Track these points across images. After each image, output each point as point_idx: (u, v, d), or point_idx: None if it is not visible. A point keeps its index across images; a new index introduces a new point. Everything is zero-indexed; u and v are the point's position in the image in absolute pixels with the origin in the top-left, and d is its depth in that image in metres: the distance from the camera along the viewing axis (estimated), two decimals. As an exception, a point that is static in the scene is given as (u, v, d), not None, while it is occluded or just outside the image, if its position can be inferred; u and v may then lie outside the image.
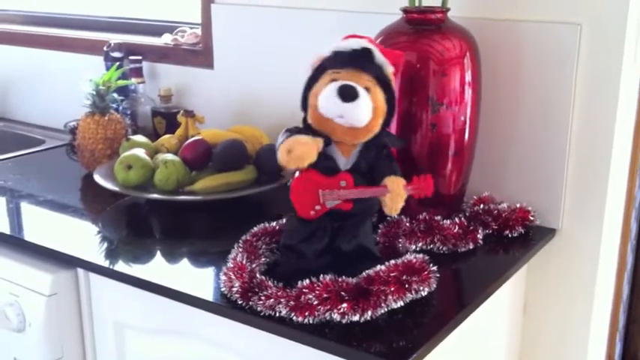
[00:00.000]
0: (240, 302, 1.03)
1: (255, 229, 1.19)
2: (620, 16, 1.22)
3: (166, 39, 1.86)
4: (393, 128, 1.24)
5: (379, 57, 1.04)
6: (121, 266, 1.19)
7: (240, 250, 1.14)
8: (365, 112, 1.01)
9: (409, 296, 1.03)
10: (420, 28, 1.24)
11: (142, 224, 1.43)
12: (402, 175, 1.06)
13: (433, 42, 1.22)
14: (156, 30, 1.96)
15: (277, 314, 1.00)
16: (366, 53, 1.03)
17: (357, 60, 1.03)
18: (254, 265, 1.09)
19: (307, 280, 1.01)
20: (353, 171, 1.05)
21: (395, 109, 1.06)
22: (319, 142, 1.01)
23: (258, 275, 1.05)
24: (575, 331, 1.38)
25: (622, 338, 1.58)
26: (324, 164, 1.04)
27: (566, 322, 1.39)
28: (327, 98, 1.01)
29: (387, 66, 1.04)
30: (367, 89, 1.01)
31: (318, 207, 1.03)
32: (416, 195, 1.06)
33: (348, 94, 0.99)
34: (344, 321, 0.98)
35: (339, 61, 1.03)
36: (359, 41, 1.04)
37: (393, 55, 1.06)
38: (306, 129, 1.05)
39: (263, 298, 1.01)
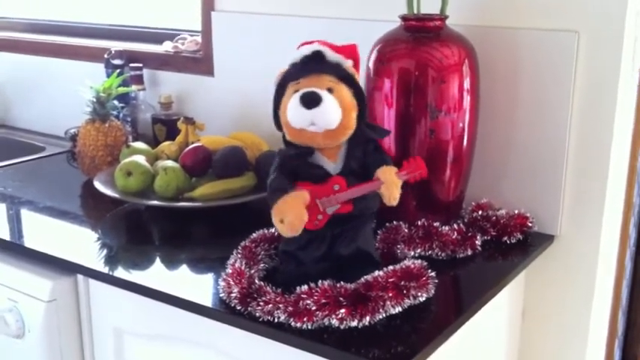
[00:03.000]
0: (238, 308, 1.03)
1: (255, 235, 1.20)
2: (618, 23, 1.22)
3: (167, 46, 1.87)
4: (391, 135, 1.24)
5: (332, 55, 1.04)
6: (120, 272, 1.19)
7: (239, 256, 1.14)
8: (333, 112, 1.01)
9: (407, 302, 1.03)
10: (419, 36, 1.25)
11: (142, 231, 1.43)
12: (394, 164, 1.07)
13: (432, 49, 1.22)
14: (156, 37, 1.96)
15: (276, 320, 1.00)
16: (318, 56, 1.04)
17: (312, 65, 1.03)
18: (253, 271, 1.09)
19: (306, 286, 1.01)
20: (344, 173, 1.05)
21: (366, 101, 1.06)
22: (305, 197, 1.01)
23: (256, 281, 1.05)
24: (574, 337, 1.38)
25: (621, 344, 1.58)
26: (314, 173, 1.04)
27: (565, 328, 1.38)
28: (293, 110, 1.01)
29: (343, 62, 1.04)
30: (330, 90, 1.01)
31: (320, 216, 1.04)
32: (411, 179, 1.07)
33: (310, 101, 1.00)
34: (342, 326, 0.98)
35: (297, 71, 1.04)
36: (309, 46, 1.05)
37: (346, 49, 1.06)
38: (288, 145, 1.06)
39: (262, 303, 1.01)
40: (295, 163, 1.04)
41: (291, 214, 0.99)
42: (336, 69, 1.03)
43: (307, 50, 1.04)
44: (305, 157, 1.04)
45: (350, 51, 1.06)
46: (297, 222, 0.99)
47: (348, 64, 1.04)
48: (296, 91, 1.02)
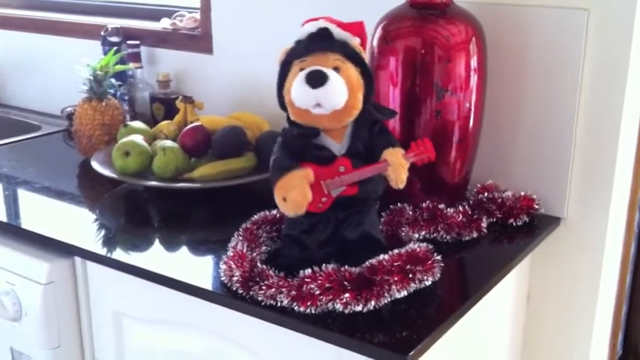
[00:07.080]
0: (240, 292, 1.01)
1: (256, 217, 1.18)
2: (629, 1, 1.19)
3: (165, 23, 1.83)
4: (397, 115, 1.22)
5: (339, 33, 1.01)
6: (118, 255, 1.17)
7: (241, 238, 1.12)
8: (339, 92, 0.98)
9: (413, 286, 1.02)
10: (425, 13, 1.22)
11: (141, 212, 1.41)
12: (401, 146, 1.04)
13: (438, 27, 1.19)
14: (154, 14, 1.93)
15: (279, 304, 0.98)
16: (324, 33, 1.00)
17: (318, 42, 1.00)
18: (255, 254, 1.07)
19: (309, 270, 0.99)
20: (349, 154, 1.03)
21: (373, 80, 1.03)
22: (309, 175, 0.98)
23: (259, 264, 1.03)
24: (580, 320, 1.37)
25: (623, 326, 1.57)
26: (319, 154, 1.02)
27: (570, 312, 1.37)
28: (298, 90, 0.98)
29: (351, 39, 1.01)
30: (337, 68, 0.99)
31: (324, 199, 1.01)
32: (419, 161, 1.04)
33: (316, 79, 0.96)
34: (347, 311, 0.96)
35: (302, 49, 1.01)
36: (315, 23, 1.01)
37: (353, 26, 1.03)
38: (292, 125, 1.03)
39: (264, 287, 0.99)
40: (299, 144, 1.02)
41: (294, 191, 0.97)
42: (343, 47, 1.00)
43: (313, 27, 1.01)
44: (309, 138, 1.01)
45: (357, 28, 1.03)
46: (301, 199, 0.97)
47: (355, 42, 1.01)
48: (301, 69, 0.99)
